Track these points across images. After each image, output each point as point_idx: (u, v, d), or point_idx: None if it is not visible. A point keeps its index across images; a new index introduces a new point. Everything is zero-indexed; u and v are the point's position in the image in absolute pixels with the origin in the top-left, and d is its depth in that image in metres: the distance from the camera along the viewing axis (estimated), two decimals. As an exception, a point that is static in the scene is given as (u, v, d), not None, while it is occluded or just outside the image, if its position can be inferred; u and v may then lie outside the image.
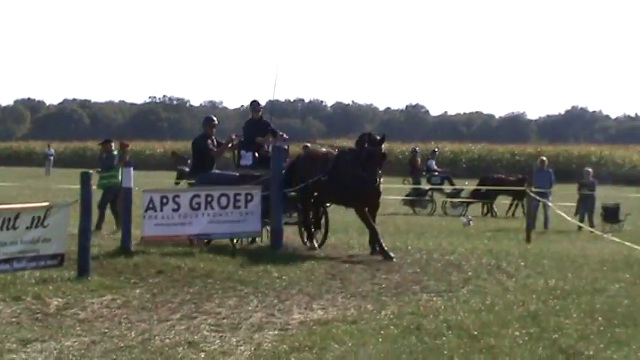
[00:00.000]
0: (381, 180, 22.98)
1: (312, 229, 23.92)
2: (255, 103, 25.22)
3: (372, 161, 22.27)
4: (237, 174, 24.28)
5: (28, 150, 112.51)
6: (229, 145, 24.55)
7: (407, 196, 44.95)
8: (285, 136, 25.19)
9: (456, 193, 45.82)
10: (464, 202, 44.26)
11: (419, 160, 47.55)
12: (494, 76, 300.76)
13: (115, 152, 29.83)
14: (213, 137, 23.99)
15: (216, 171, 24.13)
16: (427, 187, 45.65)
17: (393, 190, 42.43)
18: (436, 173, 47.35)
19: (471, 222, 35.66)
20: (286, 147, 24.64)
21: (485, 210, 44.13)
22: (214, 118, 24.98)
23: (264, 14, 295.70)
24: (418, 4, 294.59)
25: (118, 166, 28.40)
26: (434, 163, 48.22)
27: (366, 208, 22.72)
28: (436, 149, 55.86)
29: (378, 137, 22.68)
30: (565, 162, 78.93)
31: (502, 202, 44.94)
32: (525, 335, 13.56)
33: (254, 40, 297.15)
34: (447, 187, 46.71)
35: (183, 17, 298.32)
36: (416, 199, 44.34)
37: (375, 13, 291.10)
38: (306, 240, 23.93)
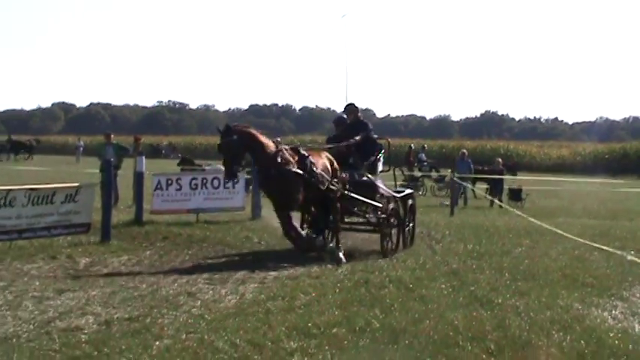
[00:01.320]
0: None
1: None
2: (349, 107, 18.84)
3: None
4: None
5: (63, 142, 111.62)
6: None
7: (403, 181, 44.40)
8: (357, 138, 17.87)
9: (441, 179, 45.31)
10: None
11: (412, 153, 48.24)
12: (425, 85, 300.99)
13: (115, 142, 29.65)
14: None
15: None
16: (419, 174, 45.46)
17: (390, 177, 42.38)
18: (425, 163, 47.32)
19: (446, 203, 35.20)
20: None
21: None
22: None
23: (247, 26, 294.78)
24: (367, 20, 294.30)
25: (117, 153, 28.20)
26: (424, 155, 48.26)
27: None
28: (425, 145, 55.75)
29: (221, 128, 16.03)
30: (480, 154, 78.76)
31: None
32: (449, 287, 13.59)
33: (238, 49, 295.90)
34: (434, 174, 46.51)
35: (183, 34, 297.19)
36: (410, 184, 43.75)
37: (331, 30, 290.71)
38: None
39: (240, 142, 15.74)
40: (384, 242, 17.61)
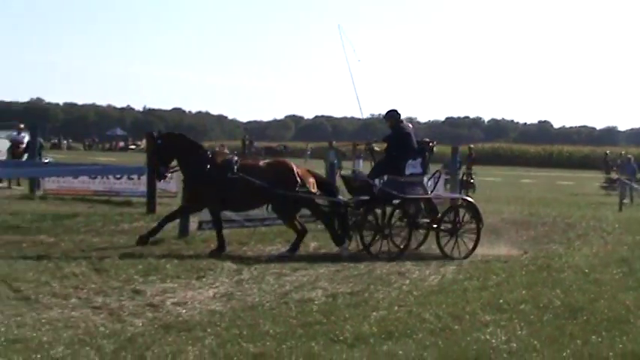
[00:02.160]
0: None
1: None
2: (388, 113, 16.62)
3: None
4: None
5: (293, 148, 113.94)
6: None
7: (603, 183, 43.45)
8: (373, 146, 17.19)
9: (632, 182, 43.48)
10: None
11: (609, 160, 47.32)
12: (596, 99, 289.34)
13: (335, 147, 30.09)
14: None
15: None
16: (615, 176, 44.04)
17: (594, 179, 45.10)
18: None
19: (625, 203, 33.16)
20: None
21: None
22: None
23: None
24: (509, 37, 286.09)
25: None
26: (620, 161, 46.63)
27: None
28: (622, 152, 53.26)
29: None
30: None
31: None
32: (620, 273, 13.22)
33: (439, 68, 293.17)
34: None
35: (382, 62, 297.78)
36: (608, 186, 42.68)
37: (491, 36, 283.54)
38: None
39: (163, 147, 15.19)
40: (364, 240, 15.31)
